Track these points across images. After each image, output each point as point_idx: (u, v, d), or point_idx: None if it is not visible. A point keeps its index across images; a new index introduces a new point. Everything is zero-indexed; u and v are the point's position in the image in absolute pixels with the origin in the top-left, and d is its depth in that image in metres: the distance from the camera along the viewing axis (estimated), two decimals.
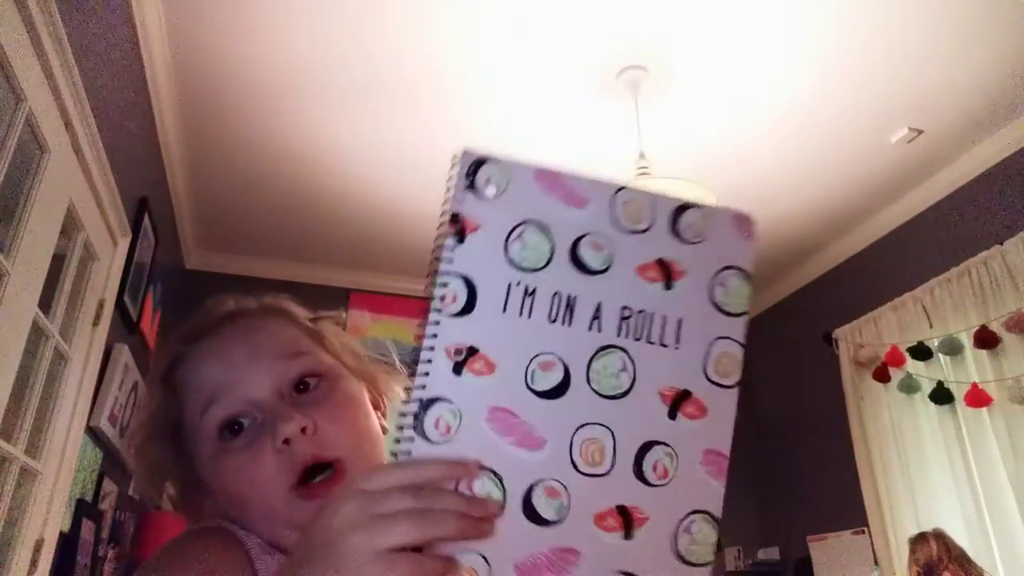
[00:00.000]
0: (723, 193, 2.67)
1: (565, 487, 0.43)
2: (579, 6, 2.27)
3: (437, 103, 2.68)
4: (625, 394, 0.44)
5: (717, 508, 0.44)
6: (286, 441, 0.56)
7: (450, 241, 0.43)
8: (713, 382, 0.45)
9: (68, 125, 1.70)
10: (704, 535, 0.44)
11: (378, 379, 0.68)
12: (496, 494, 0.42)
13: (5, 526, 1.63)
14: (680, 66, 2.51)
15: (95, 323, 2.13)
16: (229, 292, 0.69)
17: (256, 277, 3.66)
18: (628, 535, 0.43)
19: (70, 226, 1.86)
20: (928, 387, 3.04)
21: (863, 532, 3.32)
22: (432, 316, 0.43)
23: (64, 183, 1.74)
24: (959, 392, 2.90)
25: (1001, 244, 2.82)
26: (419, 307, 0.44)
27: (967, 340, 2.90)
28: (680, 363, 0.45)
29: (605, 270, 0.45)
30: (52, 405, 1.88)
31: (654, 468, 0.44)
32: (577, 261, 0.45)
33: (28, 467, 1.72)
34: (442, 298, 0.43)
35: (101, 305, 2.16)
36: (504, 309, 0.43)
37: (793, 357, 3.91)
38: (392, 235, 3.58)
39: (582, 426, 0.44)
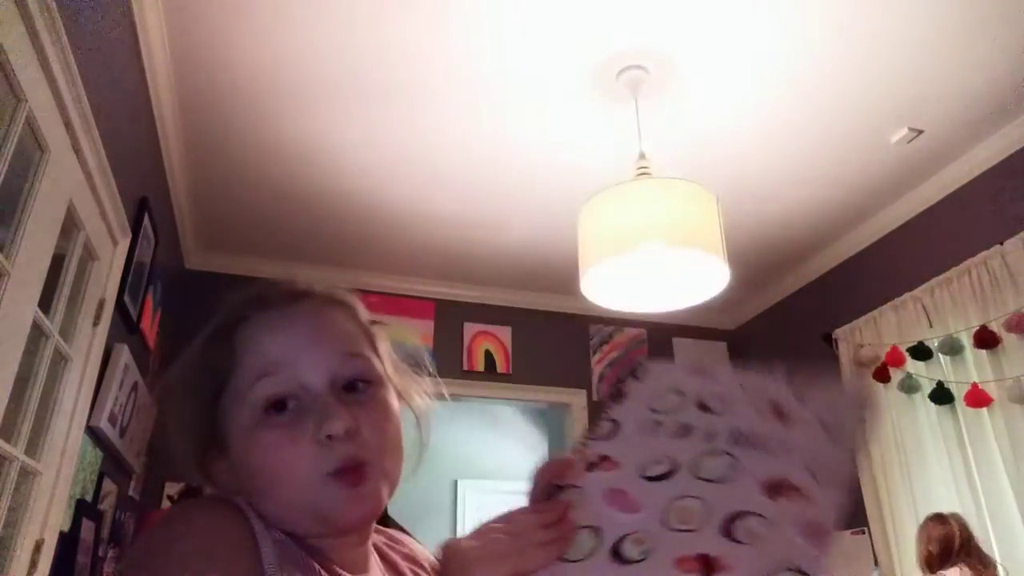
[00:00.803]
0: (723, 193, 2.67)
1: (652, 536, 0.48)
2: (579, 6, 2.27)
3: (437, 103, 2.68)
4: None
5: (817, 570, 0.43)
6: (329, 436, 0.56)
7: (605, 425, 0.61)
8: None
9: (68, 125, 1.70)
10: None
11: (407, 393, 0.69)
12: (590, 542, 0.50)
13: (5, 526, 1.63)
14: (680, 66, 2.51)
15: (95, 323, 2.13)
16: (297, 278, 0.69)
17: (256, 277, 3.63)
18: None
19: (70, 226, 1.86)
20: (928, 387, 3.04)
21: (863, 532, 3.32)
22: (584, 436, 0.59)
23: (64, 183, 1.74)
24: (959, 392, 2.90)
25: (1001, 244, 2.82)
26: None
27: (967, 340, 2.90)
28: None
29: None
30: (52, 405, 1.87)
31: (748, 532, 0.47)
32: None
33: (28, 467, 1.72)
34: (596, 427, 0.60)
35: (101, 305, 2.16)
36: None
37: (793, 357, 3.90)
38: (392, 235, 3.58)
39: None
